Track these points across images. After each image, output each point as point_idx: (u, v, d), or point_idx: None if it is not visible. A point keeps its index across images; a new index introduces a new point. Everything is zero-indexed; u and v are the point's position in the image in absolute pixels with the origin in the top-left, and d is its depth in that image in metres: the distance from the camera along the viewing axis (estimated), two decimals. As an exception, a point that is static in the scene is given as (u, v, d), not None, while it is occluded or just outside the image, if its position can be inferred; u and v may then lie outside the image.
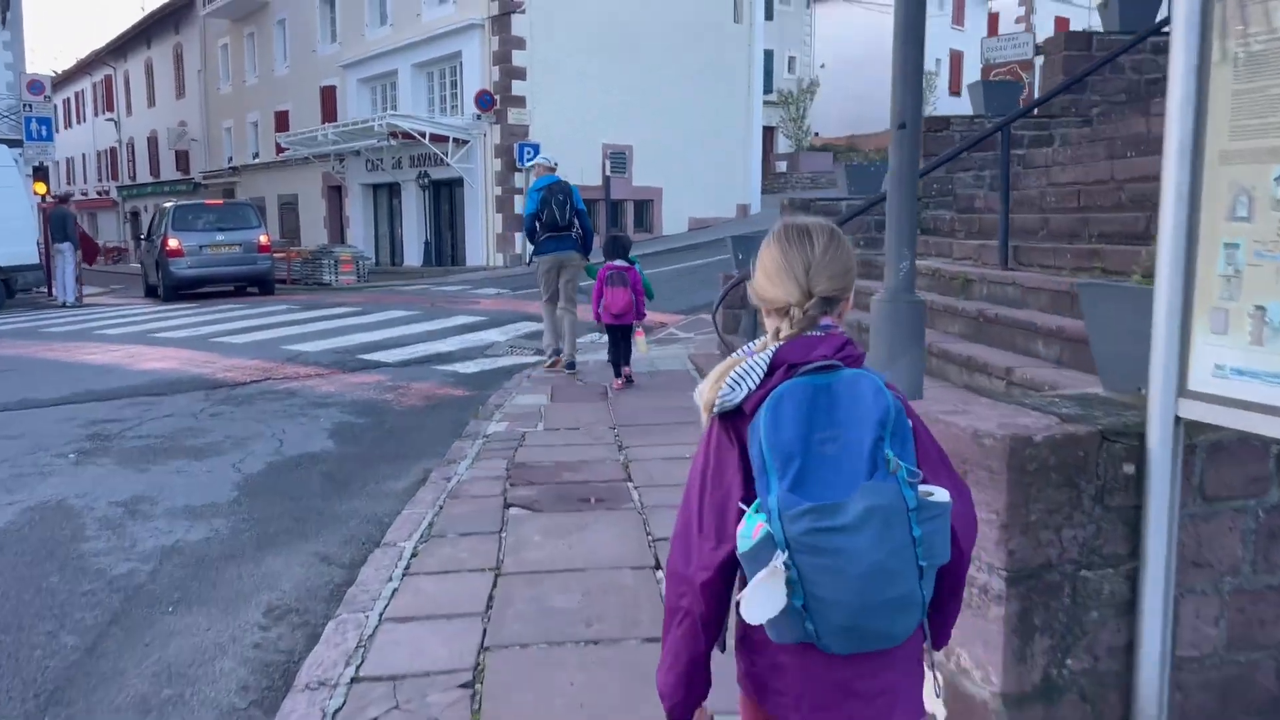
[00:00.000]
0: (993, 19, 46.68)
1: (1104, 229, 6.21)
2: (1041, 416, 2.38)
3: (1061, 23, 49.11)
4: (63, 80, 52.64)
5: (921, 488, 1.38)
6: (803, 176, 30.88)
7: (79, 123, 51.55)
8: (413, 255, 23.82)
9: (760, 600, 1.36)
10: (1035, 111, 8.79)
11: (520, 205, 20.94)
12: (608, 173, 22.32)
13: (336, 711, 2.95)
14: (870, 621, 1.38)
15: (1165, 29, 8.95)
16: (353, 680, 3.14)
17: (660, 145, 23.22)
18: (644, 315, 8.30)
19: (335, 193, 28.04)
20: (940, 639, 1.59)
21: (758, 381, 1.46)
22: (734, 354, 1.53)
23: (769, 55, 30.53)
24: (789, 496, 1.35)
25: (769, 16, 27.12)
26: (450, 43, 22.02)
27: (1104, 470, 2.30)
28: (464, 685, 3.09)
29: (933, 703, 1.53)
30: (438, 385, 8.78)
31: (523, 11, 20.63)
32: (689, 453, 5.50)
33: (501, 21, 20.66)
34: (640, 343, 8.46)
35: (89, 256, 18.58)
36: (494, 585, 3.93)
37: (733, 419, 1.49)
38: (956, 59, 44.13)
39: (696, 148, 23.84)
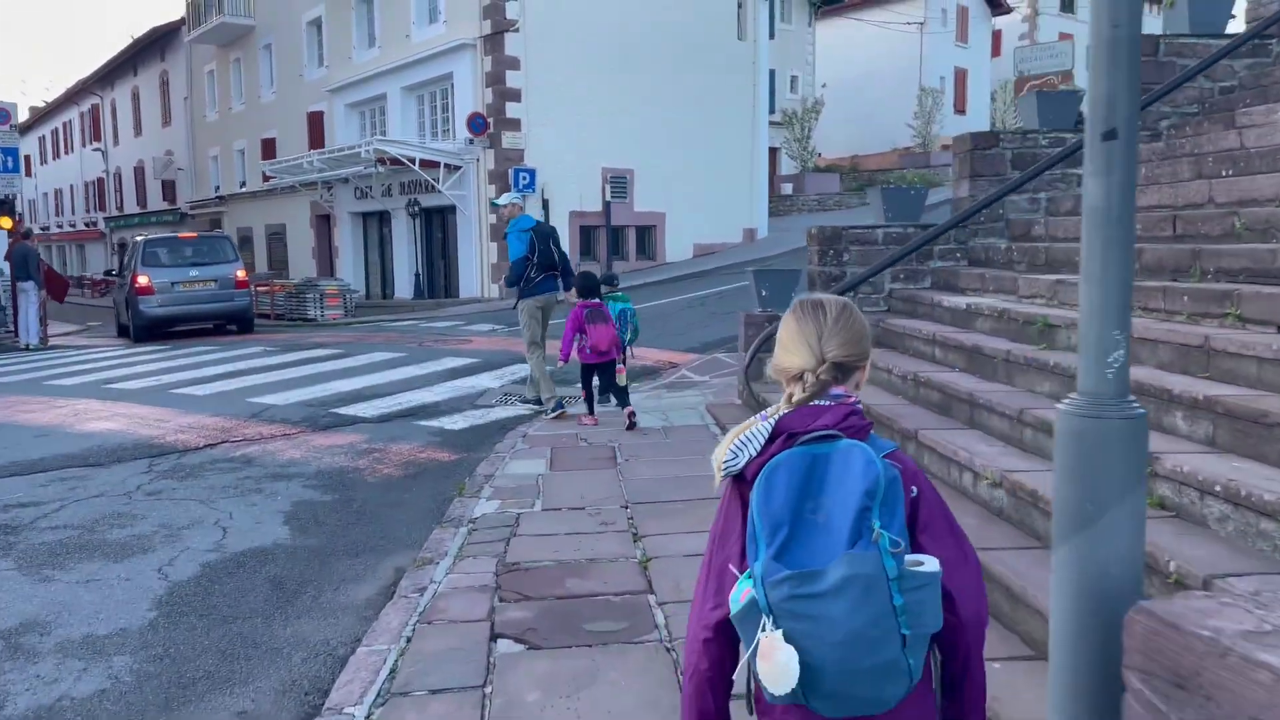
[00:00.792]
0: (996, 36, 45.96)
1: (1224, 264, 5.08)
2: None
3: (1065, 39, 48.47)
4: (51, 111, 51.85)
5: (909, 557, 1.43)
6: (809, 198, 29.86)
7: (67, 153, 50.67)
8: (404, 287, 22.73)
9: (778, 663, 1.41)
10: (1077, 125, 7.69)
11: (516, 233, 19.85)
12: (608, 198, 21.27)
13: None
14: (854, 688, 1.44)
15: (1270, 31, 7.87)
16: None
17: (663, 168, 22.18)
18: (616, 344, 7.95)
19: (324, 222, 26.99)
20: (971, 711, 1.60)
21: (758, 449, 1.56)
22: (750, 419, 1.62)
23: (770, 75, 29.61)
24: (772, 564, 1.44)
25: (770, 35, 26.19)
26: (441, 64, 21.02)
27: None
28: None
29: None
30: (420, 446, 7.63)
31: (516, 30, 19.64)
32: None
33: (494, 41, 19.67)
34: (620, 378, 8.18)
35: (58, 294, 17.41)
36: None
37: (739, 481, 1.60)
38: (961, 76, 43.31)
39: (700, 170, 22.81)
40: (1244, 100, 7.72)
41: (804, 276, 8.70)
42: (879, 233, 8.37)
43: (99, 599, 4.59)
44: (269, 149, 28.72)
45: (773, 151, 30.58)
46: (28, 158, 59.70)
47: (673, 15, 22.04)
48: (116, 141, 42.76)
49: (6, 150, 17.43)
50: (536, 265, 8.63)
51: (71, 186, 50.40)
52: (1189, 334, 4.42)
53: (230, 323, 16.39)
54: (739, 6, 23.71)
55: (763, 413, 1.60)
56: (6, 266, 16.09)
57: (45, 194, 55.87)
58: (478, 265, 20.57)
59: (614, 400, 8.41)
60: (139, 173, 39.98)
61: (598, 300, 7.88)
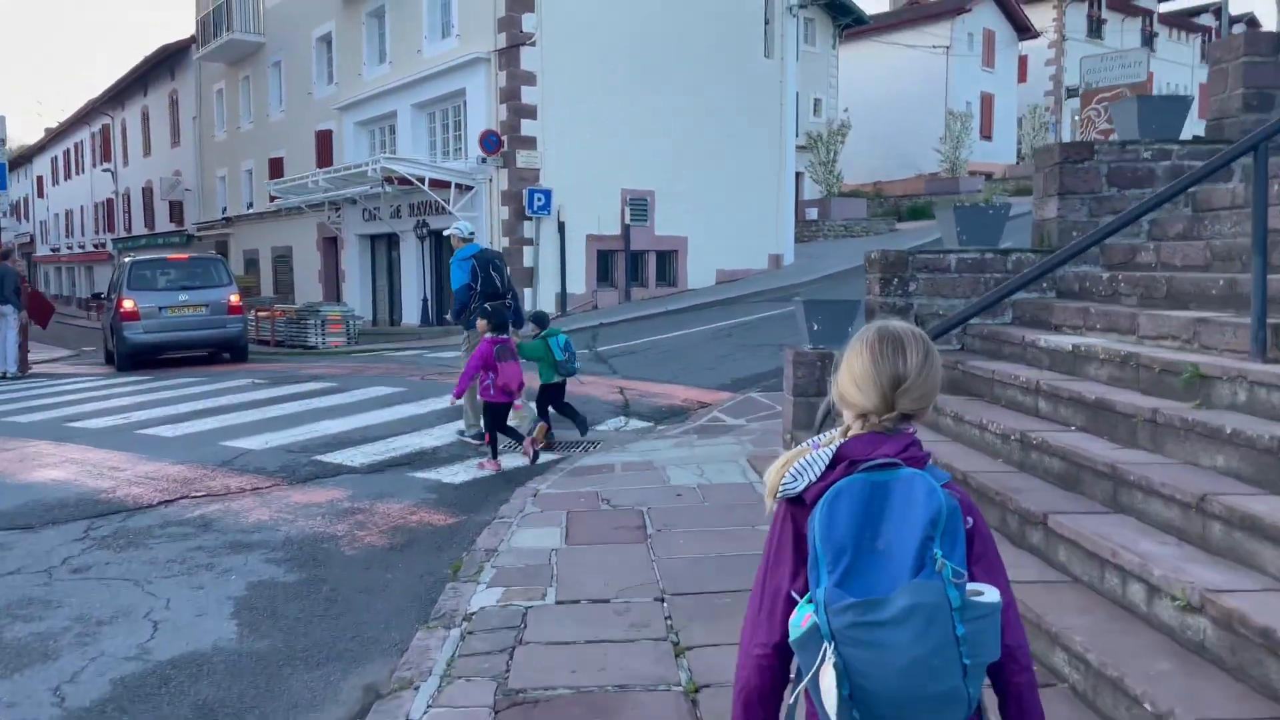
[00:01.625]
0: (1023, 61, 44.99)
1: None
2: None
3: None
4: (63, 131, 51.39)
5: (970, 586, 1.44)
6: (835, 224, 28.72)
7: (78, 174, 50.14)
8: (411, 313, 21.65)
9: (827, 687, 1.43)
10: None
11: (530, 256, 18.78)
12: (627, 221, 20.19)
13: None
14: (914, 715, 1.44)
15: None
16: None
17: (685, 191, 21.09)
18: (523, 385, 7.79)
19: (331, 245, 26.00)
20: None
21: (819, 474, 1.56)
22: (802, 444, 1.65)
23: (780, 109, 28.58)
24: (835, 591, 1.44)
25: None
26: (453, 79, 20.05)
27: None
28: None
29: None
30: (412, 506, 6.46)
31: (533, 44, 18.65)
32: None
33: (509, 55, 18.68)
34: (518, 414, 8.10)
35: (42, 319, 16.37)
36: None
37: (794, 505, 1.61)
38: (988, 102, 42.26)
39: (724, 194, 21.71)
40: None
41: (862, 309, 7.51)
42: (951, 259, 7.18)
43: (-42, 742, 3.42)
44: (276, 169, 27.83)
45: (796, 176, 29.51)
46: (40, 179, 59.36)
47: (697, 31, 21.04)
48: (126, 162, 42.10)
49: (-7, 167, 16.50)
50: (480, 294, 8.42)
51: (82, 207, 49.82)
52: None
53: (223, 351, 15.30)
54: (766, 23, 22.70)
55: (814, 439, 1.65)
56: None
57: (56, 215, 55.37)
58: (489, 291, 19.46)
59: (578, 432, 8.53)
60: (147, 194, 39.25)
61: (506, 336, 7.63)
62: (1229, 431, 3.85)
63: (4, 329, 14.60)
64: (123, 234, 42.66)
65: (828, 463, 1.57)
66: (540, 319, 8.71)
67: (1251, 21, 48.23)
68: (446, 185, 19.00)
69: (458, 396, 7.70)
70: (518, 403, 7.84)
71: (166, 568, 5.25)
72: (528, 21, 18.62)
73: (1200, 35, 50.98)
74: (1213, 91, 7.53)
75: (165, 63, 35.70)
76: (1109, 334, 5.74)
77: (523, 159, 18.83)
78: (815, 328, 7.31)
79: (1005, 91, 43.12)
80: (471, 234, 9.15)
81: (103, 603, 4.73)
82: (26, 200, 63.36)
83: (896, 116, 39.50)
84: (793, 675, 1.61)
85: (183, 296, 14.57)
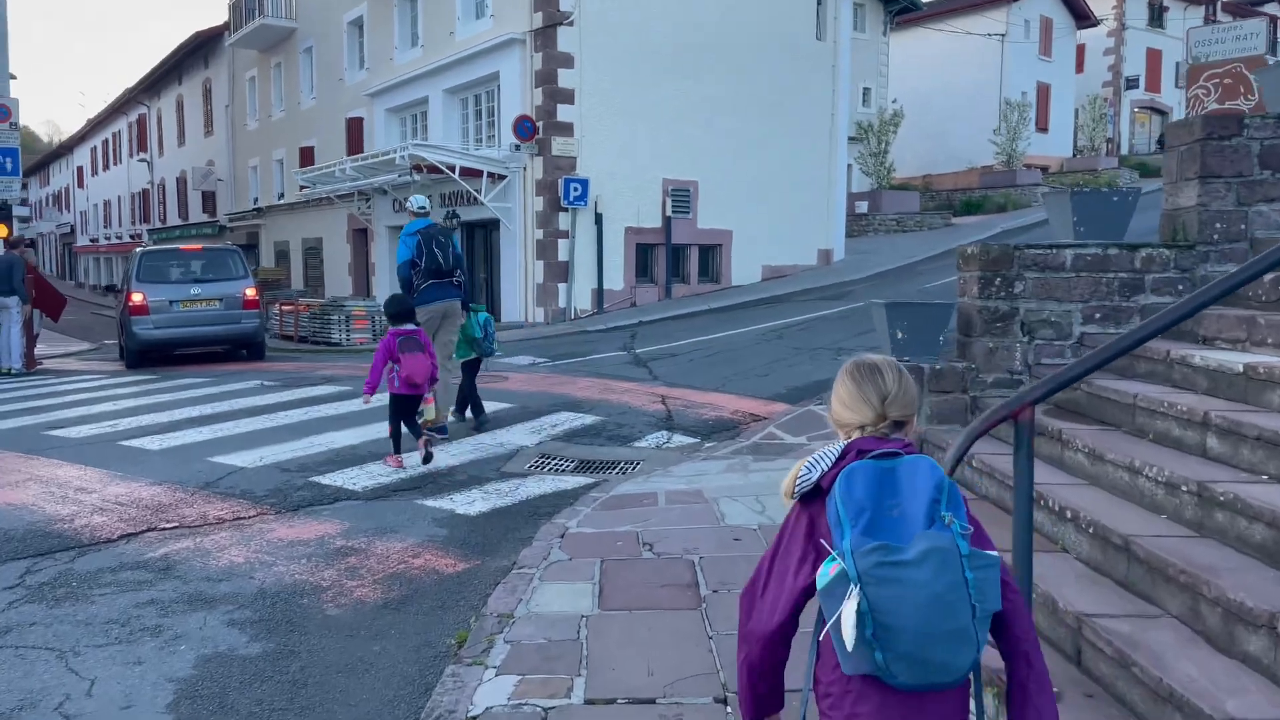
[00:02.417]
0: (1080, 50, 43.10)
1: None
2: None
3: (1153, 54, 45.38)
4: (102, 121, 51.27)
5: (985, 555, 1.69)
6: (886, 218, 27.33)
7: (116, 164, 49.97)
8: (440, 308, 20.66)
9: (847, 621, 1.63)
10: None
11: (564, 250, 17.72)
12: (668, 213, 19.05)
13: None
14: (931, 651, 1.63)
15: None
16: None
17: (730, 182, 19.88)
18: (435, 380, 7.53)
19: (361, 237, 25.15)
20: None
21: (830, 463, 1.81)
22: (807, 458, 1.86)
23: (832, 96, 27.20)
24: (860, 538, 1.67)
25: (847, 40, 23.83)
26: (487, 62, 19.00)
27: None
28: None
29: None
30: (417, 546, 5.41)
31: (571, 24, 17.54)
32: None
33: (546, 35, 17.59)
34: (430, 409, 7.85)
35: (53, 311, 15.58)
36: None
37: (810, 502, 1.83)
38: (1044, 92, 40.46)
39: (772, 185, 20.47)
40: None
41: (954, 313, 6.33)
42: (1066, 255, 5.97)
43: None
44: (307, 158, 27.03)
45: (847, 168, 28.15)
46: (80, 169, 59.46)
47: (744, 12, 19.81)
48: (161, 152, 41.71)
49: (5, 151, 15.72)
50: (424, 271, 8.18)
51: (119, 198, 49.66)
52: None
53: (239, 348, 14.39)
54: (818, 3, 21.40)
55: (816, 452, 1.85)
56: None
57: (96, 205, 55.35)
58: (521, 286, 18.41)
59: (470, 414, 8.50)
60: (181, 183, 38.78)
61: (412, 327, 7.29)
62: None
63: (7, 322, 13.82)
64: (158, 224, 42.31)
65: (838, 456, 1.82)
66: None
67: (1324, 8, 45.94)
68: (478, 174, 17.97)
69: (369, 393, 7.12)
70: (428, 396, 7.63)
71: (104, 631, 4.22)
72: (565, 0, 17.52)
73: (1266, 23, 48.69)
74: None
75: (199, 50, 35.13)
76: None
77: (558, 146, 17.75)
78: (900, 336, 6.14)
79: (1062, 82, 41.29)
80: (423, 209, 8.68)
81: (9, 684, 3.70)
82: (67, 190, 63.64)
83: (947, 107, 37.94)
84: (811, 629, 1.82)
85: (195, 290, 13.67)
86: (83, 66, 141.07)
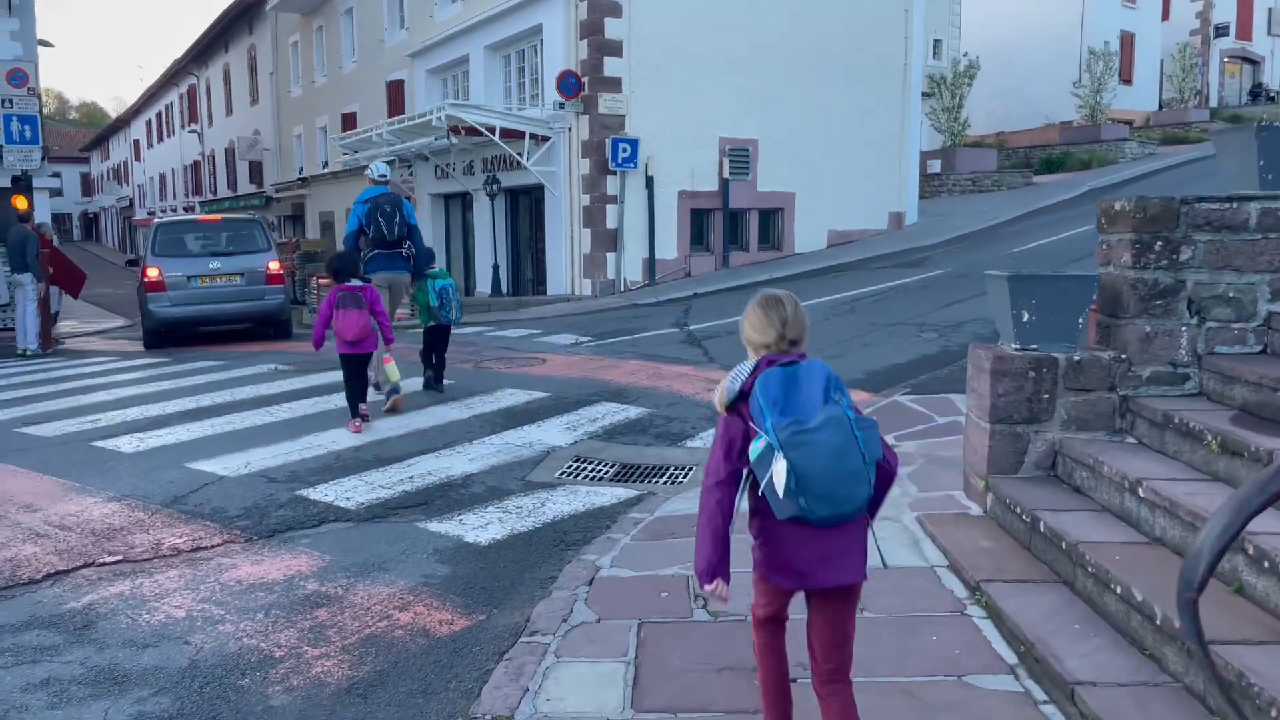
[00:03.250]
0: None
1: None
2: None
3: (1245, 2, 42.19)
4: (156, 93, 51.07)
5: (867, 419, 2.33)
6: (961, 177, 25.46)
7: (169, 136, 49.77)
8: (485, 281, 19.54)
9: (779, 473, 2.25)
10: None
11: (613, 216, 16.41)
12: (725, 175, 17.59)
13: None
14: (839, 488, 2.27)
15: None
16: None
17: (793, 140, 18.34)
18: (391, 340, 7.47)
19: (404, 205, 24.07)
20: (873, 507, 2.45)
21: (748, 374, 2.41)
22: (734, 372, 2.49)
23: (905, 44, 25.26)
24: (779, 419, 2.28)
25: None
26: (529, 13, 17.66)
27: None
28: None
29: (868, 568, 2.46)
30: (407, 592, 4.26)
31: (618, -33, 16.10)
32: None
33: (591, -18, 16.19)
34: (391, 369, 7.75)
35: (73, 287, 14.77)
36: None
37: (737, 405, 2.43)
38: (1128, 41, 37.75)
39: (838, 143, 18.87)
40: None
41: (1094, 288, 4.91)
42: (1251, 210, 4.53)
43: None
44: (350, 124, 26.03)
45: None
46: (136, 142, 59.58)
47: (808, -47, 18.15)
48: (211, 123, 41.22)
49: (24, 119, 14.89)
50: (370, 241, 8.06)
51: (173, 170, 49.51)
52: None
53: (264, 325, 13.40)
54: (888, -57, 19.62)
55: (736, 368, 2.46)
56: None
57: (151, 178, 55.41)
58: (567, 257, 17.17)
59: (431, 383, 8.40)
60: (230, 155, 38.22)
61: (357, 284, 7.16)
62: None
63: (22, 300, 13.02)
64: (209, 196, 41.95)
65: (753, 368, 2.43)
66: (429, 257, 8.46)
67: None
68: (520, 136, 16.71)
69: (316, 347, 7.17)
70: (385, 356, 7.64)
71: (-42, 736, 3.10)
72: (612, -57, 16.09)
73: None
74: None
75: (243, 17, 34.34)
76: None
77: (605, 104, 16.38)
78: (1027, 318, 4.75)
79: (1148, 31, 38.49)
80: (383, 176, 8.50)
81: None
82: (126, 164, 63.96)
83: (1022, 60, 35.53)
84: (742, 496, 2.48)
85: (214, 264, 12.67)
86: (143, 38, 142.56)
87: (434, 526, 5.11)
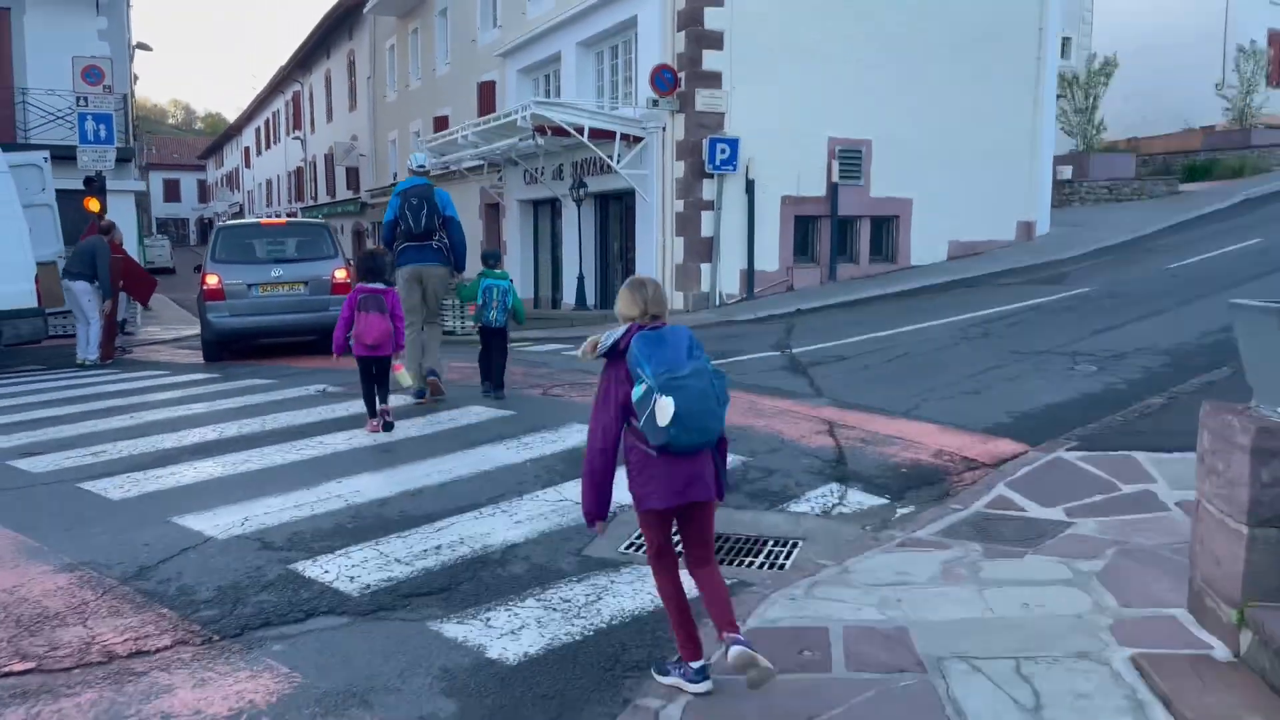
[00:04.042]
0: (1325, -11, 36.51)
1: None
2: None
3: None
4: (264, 100, 52.00)
5: (719, 373, 3.04)
6: (1096, 185, 23.19)
7: (275, 143, 50.55)
8: (570, 292, 18.36)
9: (664, 411, 2.88)
10: None
11: (709, 224, 15.04)
12: (835, 179, 16.00)
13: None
14: (702, 422, 2.95)
15: None
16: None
17: (911, 140, 16.63)
18: (401, 347, 7.37)
19: (493, 212, 23.22)
20: (718, 489, 3.22)
21: (620, 335, 3.07)
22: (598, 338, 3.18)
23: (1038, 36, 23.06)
24: (655, 368, 2.92)
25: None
26: (623, 5, 16.43)
27: None
28: None
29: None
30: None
31: (720, -49, 14.72)
32: None
33: (690, -32, 14.85)
34: (402, 376, 7.73)
35: (142, 295, 14.13)
36: None
37: (612, 361, 3.10)
38: (1277, 40, 34.45)
39: (961, 144, 17.06)
40: None
41: None
42: None
43: None
44: (442, 128, 25.26)
45: (1043, 127, 23.96)
46: (247, 150, 60.96)
47: (930, -65, 16.45)
48: (313, 129, 41.46)
49: (99, 117, 14.35)
50: (401, 234, 8.11)
51: (278, 176, 50.25)
52: None
53: (328, 338, 12.38)
54: (1021, -75, 17.71)
55: (609, 331, 3.16)
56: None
57: (260, 184, 56.49)
58: (658, 267, 15.83)
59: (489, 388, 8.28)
60: (329, 160, 38.26)
61: (380, 286, 7.10)
62: None
63: (90, 308, 12.35)
64: (309, 202, 42.20)
65: (624, 332, 3.10)
66: (484, 257, 8.40)
67: None
68: (610, 136, 15.47)
69: (336, 353, 7.17)
70: (397, 363, 7.52)
71: None
72: (714, -75, 14.73)
73: None
74: None
75: (344, 22, 34.22)
76: None
77: (703, 100, 15.00)
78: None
79: (1299, 28, 35.04)
80: (420, 167, 8.53)
81: None
82: (237, 171, 65.61)
83: (1158, 60, 32.63)
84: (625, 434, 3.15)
85: (277, 272, 11.75)
86: (265, 47, 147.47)
87: (451, 629, 3.81)
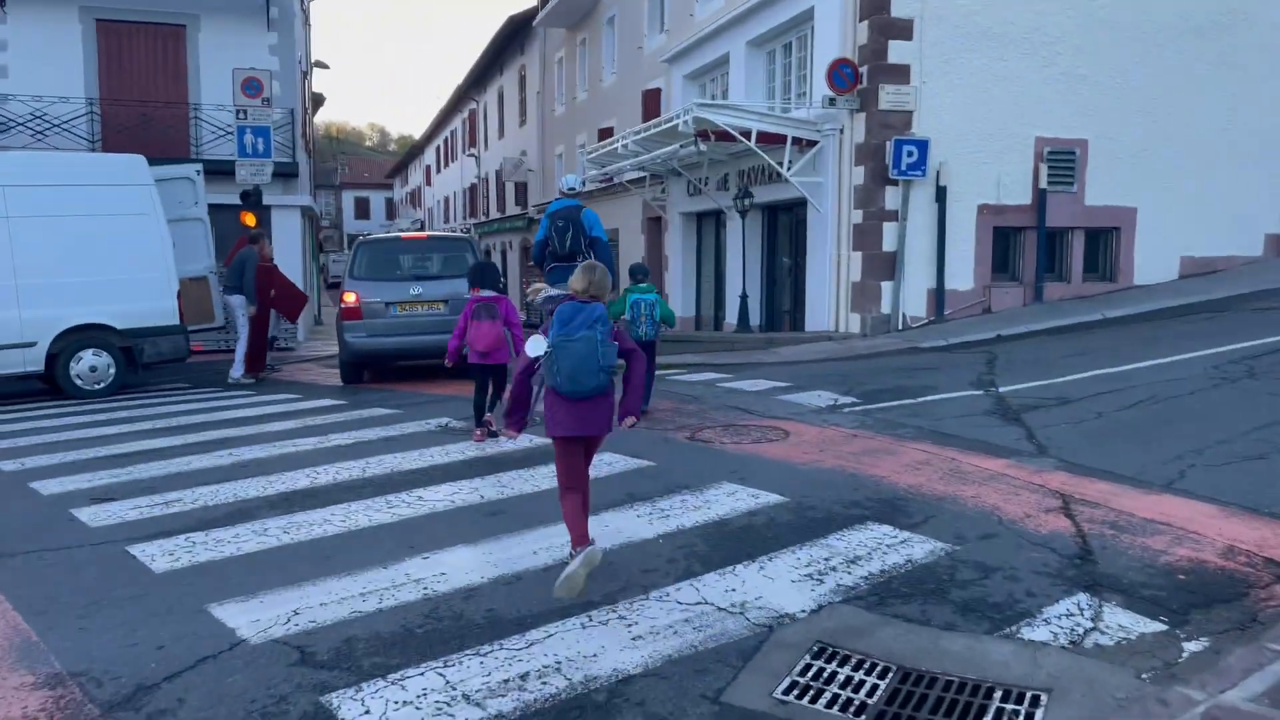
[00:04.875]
0: None
1: None
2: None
3: None
4: (443, 120, 53.35)
5: (610, 341, 4.08)
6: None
7: (453, 161, 51.68)
8: (733, 312, 16.93)
9: (535, 348, 4.10)
10: None
11: (891, 237, 13.31)
12: (1043, 185, 13.88)
13: None
14: (582, 377, 3.99)
15: None
16: None
17: (1135, 141, 14.28)
18: (520, 353, 6.56)
19: (655, 226, 22.12)
20: (631, 407, 4.30)
21: (560, 298, 4.31)
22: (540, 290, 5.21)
23: None
24: (556, 333, 4.03)
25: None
26: (798, -1, 14.91)
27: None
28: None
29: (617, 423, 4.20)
30: None
31: (910, -69, 12.98)
32: None
33: (875, -51, 13.18)
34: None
35: (290, 311, 13.75)
36: None
37: (541, 322, 4.25)
38: None
39: (1196, 146, 14.54)
40: None
41: None
42: None
43: None
44: (606, 140, 24.50)
45: None
46: (428, 168, 62.94)
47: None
48: (487, 146, 41.88)
49: (257, 130, 14.15)
50: (550, 254, 8.61)
51: (455, 193, 51.30)
52: None
53: (470, 361, 11.53)
54: (1275, -116, 14.99)
55: (554, 291, 4.82)
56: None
57: (439, 201, 58.05)
58: (831, 285, 14.17)
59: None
60: (499, 176, 38.42)
61: (492, 294, 7.36)
62: None
63: (240, 326, 12.01)
64: (482, 218, 42.67)
65: (564, 297, 4.21)
66: (632, 271, 8.43)
67: None
68: (780, 141, 13.98)
69: (450, 361, 7.29)
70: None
71: None
72: (905, -101, 13.02)
73: None
74: None
75: (515, 37, 34.19)
76: None
77: (888, 98, 13.27)
78: None
79: None
80: (571, 189, 8.98)
81: None
82: (419, 189, 67.95)
83: None
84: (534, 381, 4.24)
85: (416, 289, 10.95)
86: (453, 68, 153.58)
87: None
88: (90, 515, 5.55)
